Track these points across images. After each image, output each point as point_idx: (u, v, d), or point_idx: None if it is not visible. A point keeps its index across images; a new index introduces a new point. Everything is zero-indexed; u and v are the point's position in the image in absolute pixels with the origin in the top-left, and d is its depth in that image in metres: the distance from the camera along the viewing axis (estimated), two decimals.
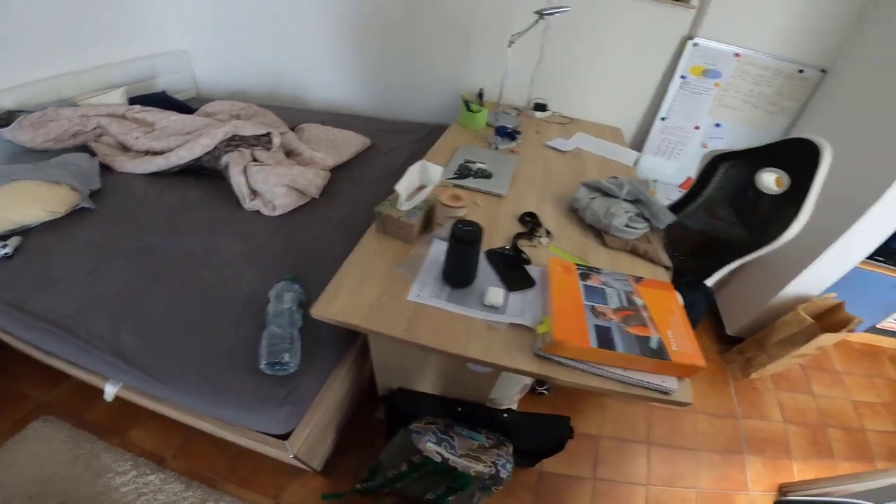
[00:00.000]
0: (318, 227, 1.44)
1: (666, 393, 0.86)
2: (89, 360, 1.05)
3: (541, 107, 2.04)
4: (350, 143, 1.89)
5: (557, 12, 1.46)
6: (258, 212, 1.47)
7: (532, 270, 1.09)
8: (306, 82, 2.41)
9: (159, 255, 1.30)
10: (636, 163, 1.90)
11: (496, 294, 0.98)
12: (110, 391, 1.11)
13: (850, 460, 1.73)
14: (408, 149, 1.97)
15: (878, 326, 2.15)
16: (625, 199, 1.28)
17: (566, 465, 1.51)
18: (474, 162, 1.50)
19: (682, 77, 1.94)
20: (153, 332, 1.08)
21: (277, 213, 1.47)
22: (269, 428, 1.00)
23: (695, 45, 1.85)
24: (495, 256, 1.10)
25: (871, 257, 1.70)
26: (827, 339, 1.59)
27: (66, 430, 1.36)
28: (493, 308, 0.97)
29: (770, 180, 1.32)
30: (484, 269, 1.06)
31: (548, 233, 1.21)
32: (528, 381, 1.35)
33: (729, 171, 1.48)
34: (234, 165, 1.49)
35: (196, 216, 1.46)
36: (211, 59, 2.47)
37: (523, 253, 1.13)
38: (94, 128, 1.75)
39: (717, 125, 2.04)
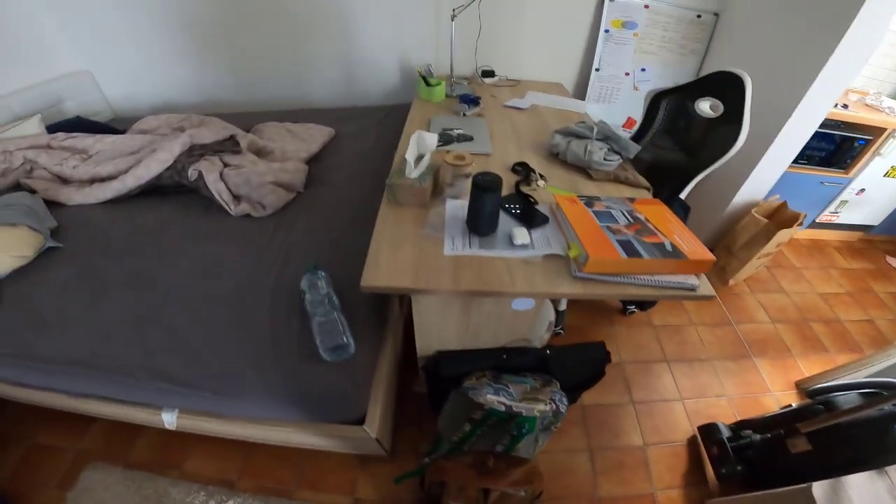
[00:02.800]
0: (315, 216, 1.42)
1: (692, 289, 0.98)
2: (133, 391, 0.98)
3: (488, 73, 2.14)
4: (315, 134, 1.85)
5: None
6: (248, 215, 1.41)
7: (541, 209, 1.18)
8: (245, 83, 2.28)
9: (156, 276, 1.22)
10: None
11: (522, 233, 1.06)
12: (169, 419, 1.03)
13: (843, 352, 1.95)
14: (373, 131, 1.97)
15: (818, 221, 2.52)
16: (596, 139, 1.42)
17: (603, 396, 1.62)
18: (452, 129, 1.56)
19: (606, 31, 2.14)
20: (191, 347, 1.03)
21: (268, 212, 1.42)
22: (345, 415, 1.01)
23: (611, 0, 2.06)
24: (506, 203, 1.17)
25: (795, 162, 2.02)
26: (783, 235, 1.88)
27: (120, 473, 1.26)
28: (523, 246, 1.05)
29: (706, 107, 1.53)
30: (500, 216, 1.13)
31: (541, 176, 1.31)
32: (552, 318, 1.45)
33: (669, 105, 1.68)
34: (209, 173, 1.41)
35: (179, 231, 1.38)
36: (120, 77, 2.24)
37: (530, 196, 1.22)
38: (22, 163, 1.55)
39: (643, 69, 2.27)
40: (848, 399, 1.20)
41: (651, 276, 0.99)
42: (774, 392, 1.75)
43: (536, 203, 1.20)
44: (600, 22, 2.11)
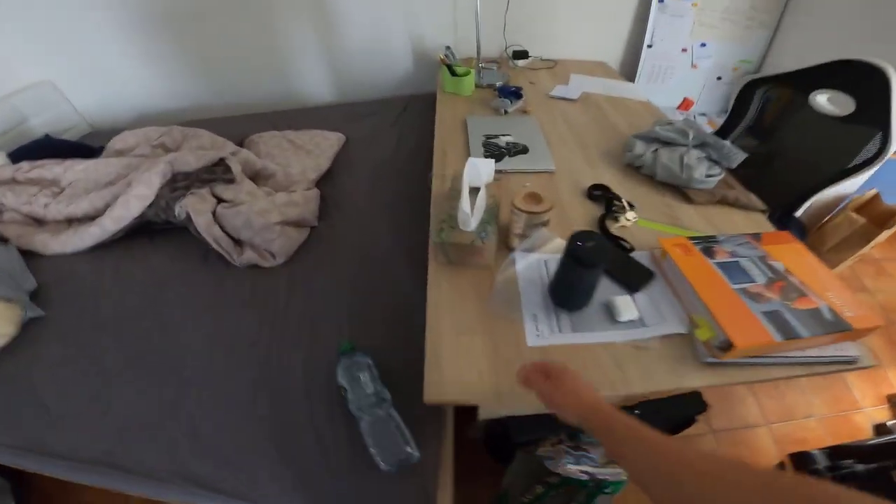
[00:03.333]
0: (338, 264, 1.14)
1: (852, 362, 0.75)
2: (162, 492, 0.81)
3: (521, 54, 1.78)
4: (323, 144, 1.53)
5: None
6: (256, 265, 1.13)
7: (639, 257, 0.89)
8: (234, 80, 1.92)
9: (163, 358, 0.97)
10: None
11: (627, 304, 0.78)
12: None
13: None
14: (391, 132, 1.65)
15: None
16: (694, 146, 1.10)
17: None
18: (496, 135, 1.24)
19: (661, 0, 1.76)
20: (221, 452, 0.82)
21: (279, 261, 1.14)
22: None
23: None
24: None
25: None
26: (883, 236, 1.58)
27: None
28: (630, 323, 0.76)
29: (824, 101, 1.20)
30: None
31: (630, 205, 1.00)
32: None
33: (767, 94, 1.35)
34: (199, 215, 1.12)
35: (178, 293, 1.10)
36: (86, 84, 1.88)
37: (622, 239, 0.92)
38: None
39: (703, 45, 1.91)
40: None
41: (801, 350, 0.74)
42: (865, 408, 1.56)
43: (632, 249, 0.91)
44: None
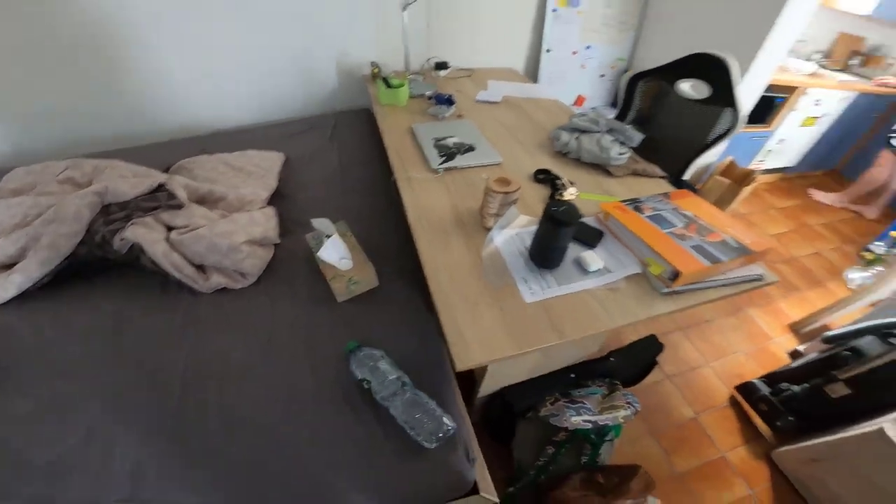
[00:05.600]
0: (315, 274, 1.14)
1: (760, 278, 0.96)
2: None
3: (442, 65, 1.94)
4: (264, 165, 1.50)
5: None
6: (224, 289, 1.09)
7: (589, 222, 1.07)
8: (139, 106, 1.76)
9: (137, 407, 0.88)
10: None
11: (593, 257, 0.94)
12: None
13: (811, 288, 2.15)
14: (330, 148, 1.68)
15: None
16: (605, 132, 1.34)
17: None
18: (444, 138, 1.36)
19: (554, 10, 2.06)
20: (285, 475, 0.79)
21: (251, 280, 1.11)
22: (462, 490, 0.87)
23: None
24: None
25: None
26: (745, 192, 2.00)
27: None
28: (598, 272, 0.93)
29: (687, 88, 1.52)
30: None
31: (571, 183, 1.19)
32: None
33: (645, 86, 1.66)
34: (152, 244, 1.05)
35: (142, 330, 1.01)
36: None
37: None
38: None
39: (588, 47, 2.25)
40: (868, 343, 1.30)
41: (723, 275, 0.95)
42: (776, 338, 1.90)
43: (582, 216, 1.08)
44: (546, 2, 2.02)
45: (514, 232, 1.00)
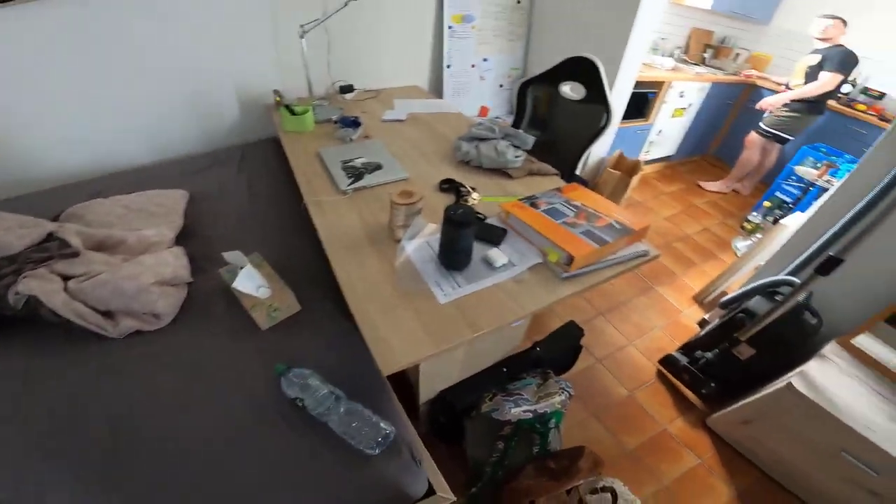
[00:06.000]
0: (231, 308, 1.12)
1: (646, 254, 1.12)
2: None
3: (347, 89, 1.98)
4: (167, 204, 1.44)
5: None
6: (138, 332, 1.04)
7: (494, 222, 1.16)
8: (13, 154, 1.60)
9: (64, 461, 0.82)
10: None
11: (498, 254, 1.03)
12: None
13: (706, 261, 2.41)
14: (240, 181, 1.65)
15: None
16: (501, 138, 1.46)
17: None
18: (352, 160, 1.40)
19: (450, 27, 2.20)
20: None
21: (166, 321, 1.07)
22: (419, 492, 0.90)
23: None
24: None
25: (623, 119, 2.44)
26: (635, 182, 2.25)
27: None
28: (504, 267, 1.02)
29: (568, 90, 1.71)
30: None
31: (473, 189, 1.29)
32: None
33: (536, 92, 1.82)
34: (51, 296, 0.97)
35: (52, 388, 0.93)
36: None
37: (477, 213, 1.18)
38: None
39: (485, 60, 2.42)
40: (757, 303, 1.49)
41: (614, 254, 1.09)
42: (685, 311, 2.12)
43: (486, 217, 1.18)
44: (443, 19, 2.16)
45: (423, 240, 1.07)
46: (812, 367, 1.30)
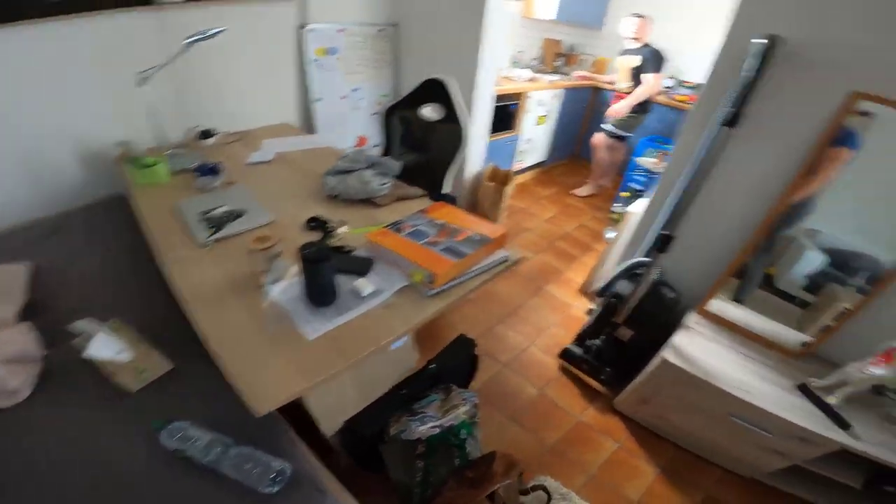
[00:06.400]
0: (92, 372, 1.04)
1: (507, 259, 1.24)
2: None
3: (207, 133, 1.90)
4: (6, 280, 1.27)
5: (209, 36, 1.40)
6: None
7: (360, 253, 1.21)
8: None
9: None
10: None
11: (364, 284, 1.08)
12: None
13: (585, 254, 2.62)
14: (94, 243, 1.51)
15: (514, 170, 3.27)
16: (365, 168, 1.52)
17: (481, 373, 1.72)
18: (212, 209, 1.36)
19: (315, 60, 2.23)
20: None
21: (24, 395, 1.00)
22: None
23: (310, 31, 2.15)
24: None
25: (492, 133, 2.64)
26: (509, 191, 2.45)
27: None
28: (372, 294, 1.07)
29: (428, 112, 1.82)
30: None
31: (342, 223, 1.33)
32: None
33: (400, 117, 1.92)
34: None
35: None
36: None
37: (342, 247, 1.22)
38: None
39: (355, 90, 2.48)
40: (623, 286, 1.62)
41: (477, 264, 1.19)
42: (574, 304, 2.30)
43: (353, 250, 1.22)
44: (305, 54, 2.18)
45: (288, 282, 1.08)
46: (680, 338, 1.45)
